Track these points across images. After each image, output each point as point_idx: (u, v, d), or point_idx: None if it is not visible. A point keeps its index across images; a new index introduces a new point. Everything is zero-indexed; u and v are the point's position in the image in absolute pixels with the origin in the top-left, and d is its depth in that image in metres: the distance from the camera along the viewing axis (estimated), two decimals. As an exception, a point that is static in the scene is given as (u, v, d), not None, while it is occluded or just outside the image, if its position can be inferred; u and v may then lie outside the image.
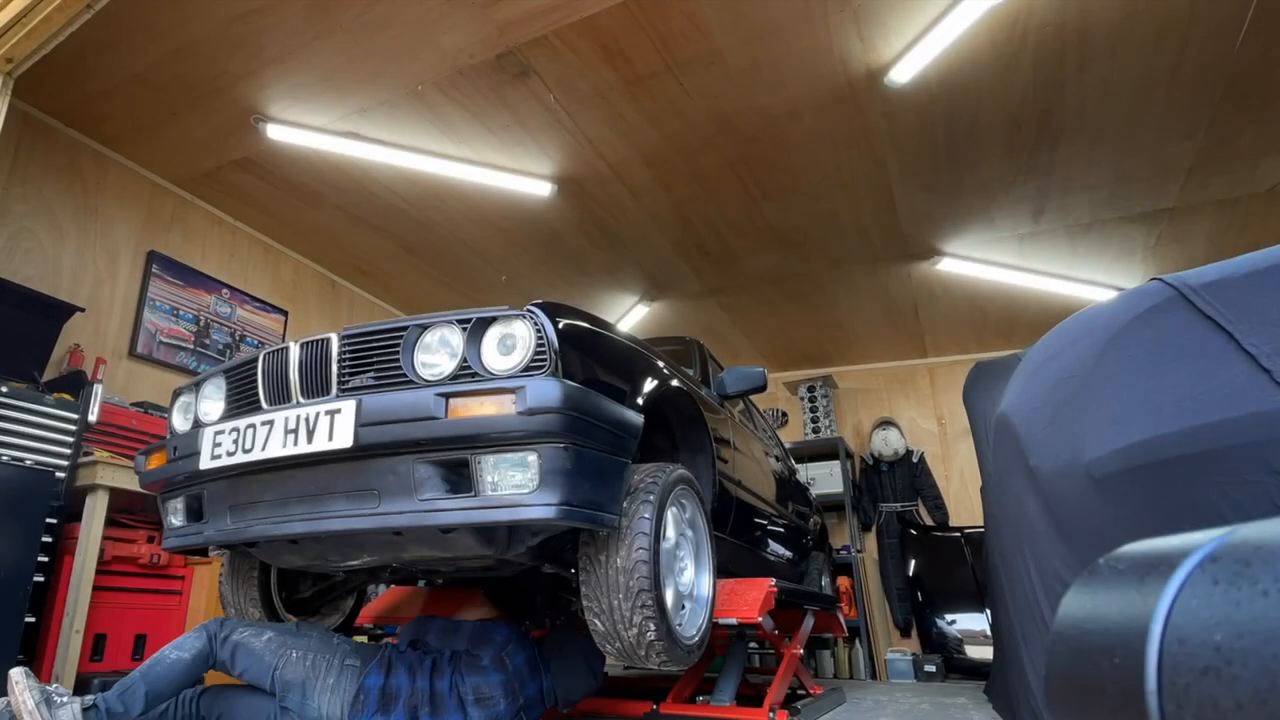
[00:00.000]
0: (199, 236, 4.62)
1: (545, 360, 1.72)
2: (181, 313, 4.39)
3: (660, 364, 2.35)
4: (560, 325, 1.81)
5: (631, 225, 4.91)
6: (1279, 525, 0.36)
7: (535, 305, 1.81)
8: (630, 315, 6.15)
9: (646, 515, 1.88)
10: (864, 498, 6.66)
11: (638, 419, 1.97)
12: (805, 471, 6.49)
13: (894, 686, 4.93)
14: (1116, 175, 4.29)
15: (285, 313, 5.14)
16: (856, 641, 5.77)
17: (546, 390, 1.64)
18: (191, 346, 4.43)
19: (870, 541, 6.62)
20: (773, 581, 2.55)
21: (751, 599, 2.43)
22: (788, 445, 6.57)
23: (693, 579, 2.22)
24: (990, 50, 3.40)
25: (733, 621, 2.39)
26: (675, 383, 2.39)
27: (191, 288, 4.48)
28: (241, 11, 3.18)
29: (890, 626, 6.23)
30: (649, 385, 2.16)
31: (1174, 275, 1.51)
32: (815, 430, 6.81)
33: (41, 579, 2.92)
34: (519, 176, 4.32)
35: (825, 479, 6.50)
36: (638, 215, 4.78)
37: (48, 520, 2.88)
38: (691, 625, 2.12)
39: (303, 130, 3.92)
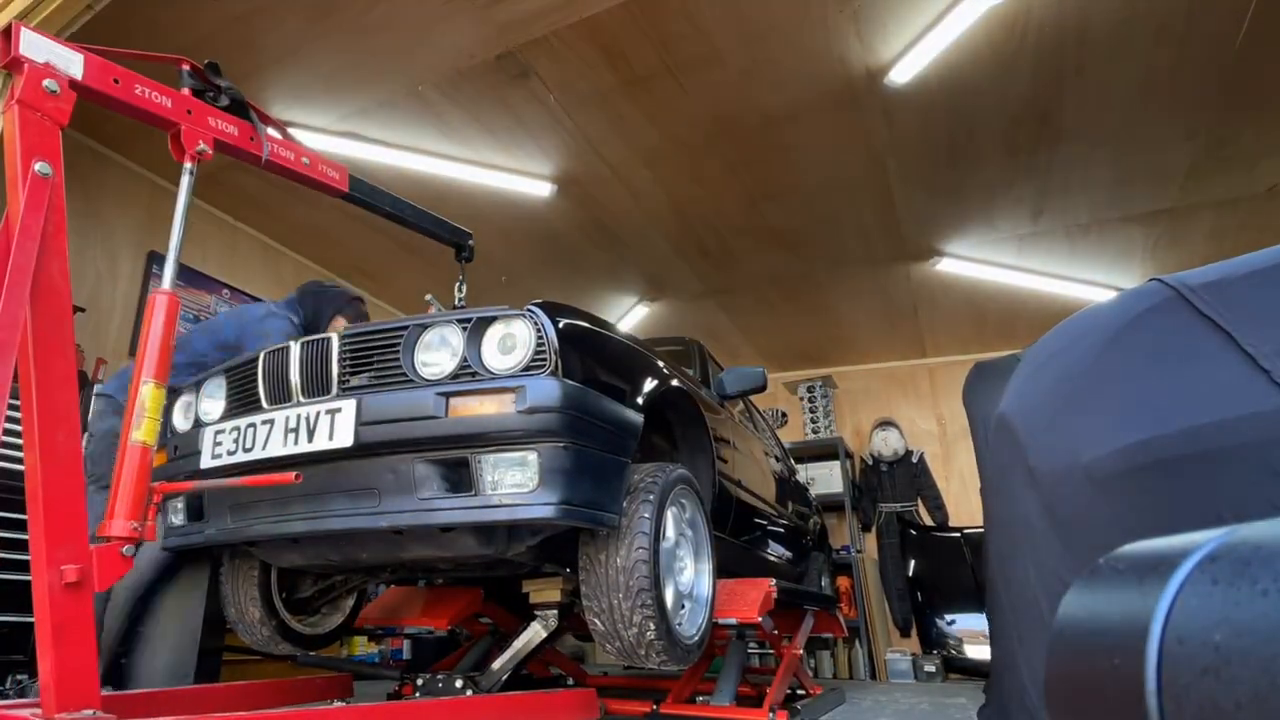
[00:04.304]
0: (199, 237, 4.62)
1: (545, 360, 1.72)
2: (182, 313, 4.39)
3: (660, 364, 2.35)
4: (560, 325, 1.81)
5: (631, 226, 4.91)
6: (1278, 525, 0.36)
7: (535, 305, 1.82)
8: (630, 316, 6.15)
9: (646, 515, 1.88)
10: (864, 498, 6.66)
11: (638, 419, 1.97)
12: (805, 472, 6.49)
13: (893, 686, 4.93)
14: (1115, 176, 4.30)
15: (285, 313, 5.13)
16: (856, 642, 5.78)
17: (546, 389, 1.65)
18: (191, 347, 4.42)
19: (870, 542, 6.62)
20: (772, 582, 2.55)
21: (751, 599, 2.44)
22: (787, 445, 6.56)
23: (692, 578, 2.22)
24: (990, 51, 3.41)
25: (732, 621, 2.39)
26: (675, 382, 2.39)
27: (192, 288, 4.48)
28: (241, 12, 3.18)
29: (890, 627, 6.23)
30: (649, 385, 2.16)
31: (1173, 276, 1.51)
32: (815, 430, 6.81)
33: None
34: (519, 177, 4.32)
35: (825, 479, 6.50)
36: (637, 216, 4.78)
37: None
38: (691, 625, 2.12)
39: (303, 131, 3.92)
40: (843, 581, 6.04)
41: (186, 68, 2.02)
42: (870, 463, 6.72)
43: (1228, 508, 1.26)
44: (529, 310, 1.79)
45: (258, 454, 1.81)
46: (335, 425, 1.72)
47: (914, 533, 6.23)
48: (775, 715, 2.49)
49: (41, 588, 1.37)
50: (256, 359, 1.99)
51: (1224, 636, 0.33)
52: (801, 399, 6.97)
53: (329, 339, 1.89)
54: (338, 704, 2.46)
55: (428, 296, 2.87)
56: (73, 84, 1.67)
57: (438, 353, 1.80)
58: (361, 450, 1.71)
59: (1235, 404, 1.30)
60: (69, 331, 1.55)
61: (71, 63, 1.68)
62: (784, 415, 6.56)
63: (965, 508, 6.37)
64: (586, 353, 1.88)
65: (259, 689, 2.39)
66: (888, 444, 6.58)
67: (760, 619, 2.40)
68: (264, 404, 1.92)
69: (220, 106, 2.06)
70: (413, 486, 1.68)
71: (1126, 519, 1.43)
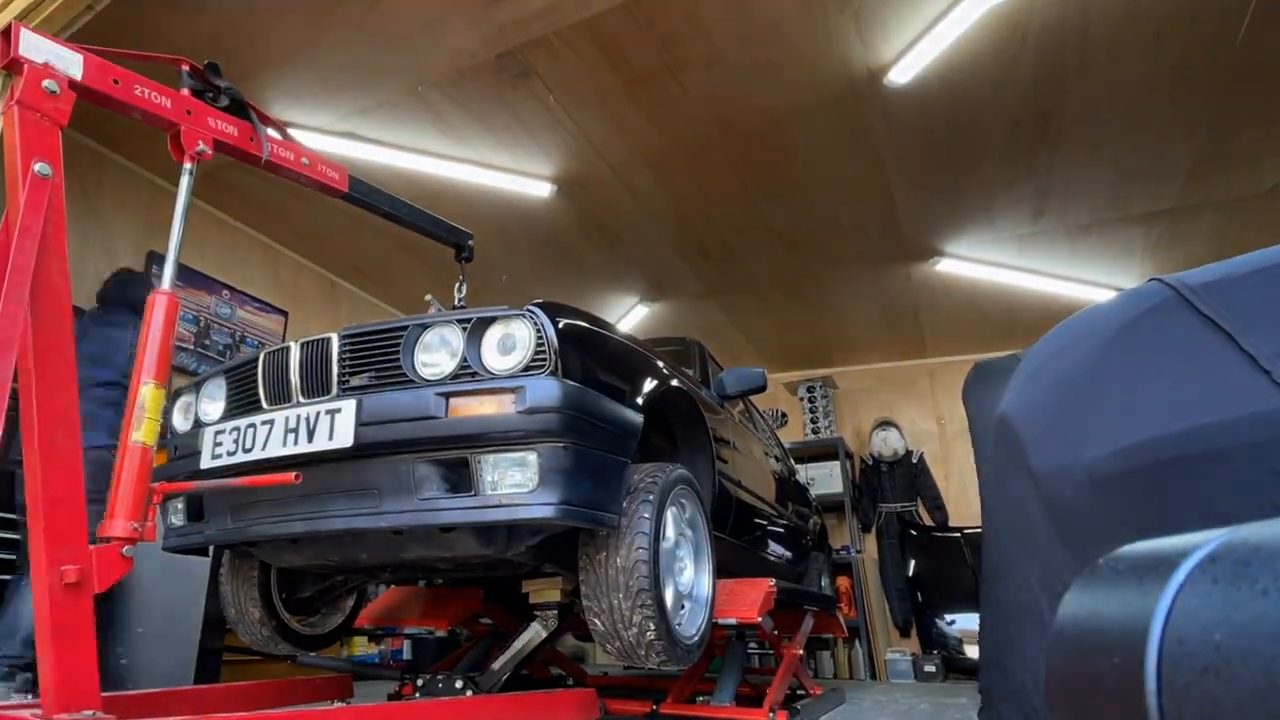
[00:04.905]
0: (198, 237, 4.62)
1: (545, 360, 1.72)
2: (182, 314, 4.40)
3: (660, 364, 2.35)
4: (560, 325, 1.81)
5: (631, 226, 4.91)
6: (1278, 526, 0.36)
7: (535, 305, 1.82)
8: (630, 316, 6.15)
9: (646, 515, 1.88)
10: (864, 498, 6.66)
11: (637, 419, 1.97)
12: (805, 472, 6.48)
13: (894, 687, 4.93)
14: (1116, 175, 4.29)
15: (285, 313, 5.14)
16: (856, 642, 5.78)
17: (546, 390, 1.65)
18: (192, 347, 4.43)
19: (870, 542, 6.62)
20: (772, 582, 2.55)
21: (751, 599, 2.43)
22: (787, 445, 6.55)
23: (692, 578, 2.22)
24: (991, 50, 3.41)
25: (732, 622, 2.39)
26: (675, 383, 2.39)
27: (192, 288, 4.48)
28: (241, 11, 3.18)
29: (890, 627, 6.23)
30: (649, 385, 2.16)
31: (1173, 276, 1.51)
32: (815, 431, 6.81)
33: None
34: (519, 177, 4.32)
35: (825, 479, 6.50)
36: (638, 216, 4.78)
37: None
38: (691, 625, 2.12)
39: (303, 131, 3.92)
40: (843, 582, 6.04)
41: (186, 68, 2.03)
42: (870, 463, 6.72)
43: (1228, 508, 1.26)
44: (528, 310, 1.79)
45: (257, 454, 1.81)
46: (335, 425, 1.72)
47: (914, 533, 6.24)
48: (775, 715, 2.49)
49: (42, 588, 1.37)
50: (256, 359, 1.99)
51: (1224, 636, 0.33)
52: (801, 399, 6.97)
53: (329, 339, 1.90)
54: (338, 704, 2.46)
55: (428, 297, 2.87)
56: (72, 84, 1.67)
57: (437, 353, 1.80)
58: (361, 450, 1.71)
59: (1236, 405, 1.30)
60: (69, 331, 1.55)
61: (71, 63, 1.68)
62: (784, 415, 6.55)
63: (965, 508, 6.36)
64: (586, 353, 1.88)
65: (259, 689, 2.39)
66: (887, 444, 6.58)
67: (760, 619, 2.40)
68: (264, 404, 1.93)
69: (220, 107, 2.07)
70: (413, 487, 1.68)
71: (1127, 519, 1.43)
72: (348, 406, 1.73)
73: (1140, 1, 3.13)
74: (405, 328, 1.84)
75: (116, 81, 1.78)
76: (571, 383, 1.72)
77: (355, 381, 1.83)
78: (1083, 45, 3.37)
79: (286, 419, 1.80)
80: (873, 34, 3.33)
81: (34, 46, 1.61)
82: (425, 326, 1.84)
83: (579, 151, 4.13)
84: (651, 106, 3.78)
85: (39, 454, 1.42)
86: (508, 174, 4.29)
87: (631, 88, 3.65)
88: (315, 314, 5.45)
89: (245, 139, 2.11)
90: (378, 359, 1.84)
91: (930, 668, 5.26)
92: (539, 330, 1.75)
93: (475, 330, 1.79)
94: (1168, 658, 0.36)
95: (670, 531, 2.06)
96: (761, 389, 3.20)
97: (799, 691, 3.42)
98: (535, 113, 3.83)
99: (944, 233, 4.98)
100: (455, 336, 1.80)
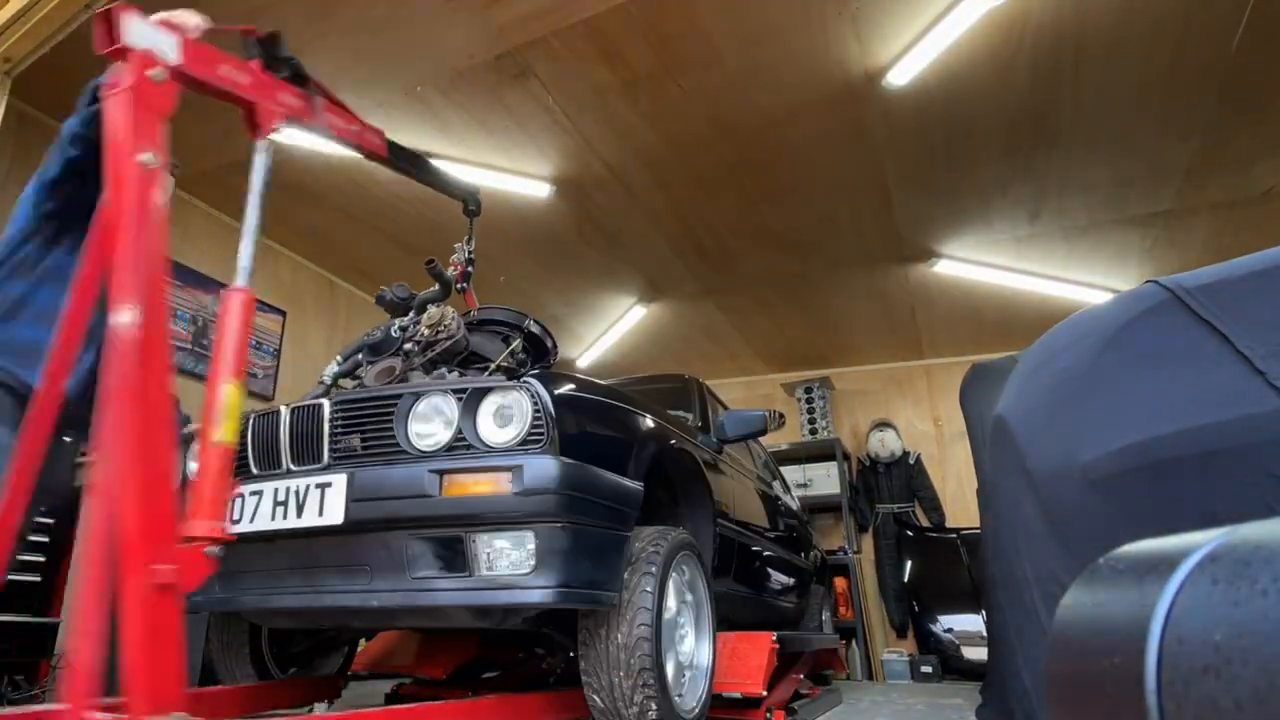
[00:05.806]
0: (197, 237, 4.61)
1: (543, 433, 1.67)
2: (179, 313, 4.39)
3: (661, 423, 2.29)
4: (557, 395, 1.76)
5: (630, 227, 4.91)
6: (1277, 525, 0.37)
7: (532, 375, 1.78)
8: (628, 317, 6.16)
9: (648, 589, 1.81)
10: (861, 499, 6.67)
11: (638, 489, 1.93)
12: (803, 473, 6.50)
13: (891, 687, 4.94)
14: (1113, 178, 4.31)
15: (284, 313, 5.13)
16: (853, 642, 5.78)
17: (544, 469, 1.61)
18: (189, 347, 4.42)
19: (867, 543, 6.63)
20: (774, 636, 2.50)
21: (754, 666, 2.37)
22: (785, 446, 6.56)
23: (693, 647, 2.14)
24: (988, 53, 3.42)
25: (736, 695, 2.34)
26: (674, 442, 2.32)
27: (189, 288, 4.48)
28: (240, 12, 3.17)
29: (887, 628, 6.24)
30: (650, 449, 2.10)
31: (1169, 278, 1.52)
32: (813, 432, 6.82)
33: (39, 579, 2.92)
34: (517, 178, 4.32)
35: (822, 480, 6.50)
36: (636, 217, 4.79)
37: (46, 522, 2.88)
38: (691, 696, 2.05)
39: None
40: (839, 582, 6.05)
41: (255, 37, 1.94)
42: (867, 464, 6.73)
43: (1224, 509, 1.26)
44: (525, 382, 1.75)
45: (245, 526, 1.77)
46: (325, 500, 1.68)
47: (911, 534, 6.25)
48: (773, 715, 2.49)
49: (135, 590, 1.32)
50: (246, 422, 1.94)
51: (1224, 636, 0.34)
52: (799, 400, 6.98)
53: (320, 406, 1.85)
54: (319, 708, 2.42)
55: (455, 245, 3.07)
56: (173, 72, 1.59)
57: (432, 423, 1.76)
58: (353, 527, 1.67)
59: (1231, 406, 1.30)
60: (168, 324, 1.51)
61: (168, 46, 1.59)
62: (781, 417, 6.54)
63: (961, 509, 6.38)
64: (585, 423, 1.84)
65: (252, 690, 2.36)
66: (885, 445, 6.59)
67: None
68: (253, 469, 1.89)
69: (282, 77, 2.01)
70: (405, 565, 1.64)
71: (1123, 520, 1.44)
72: (339, 481, 1.69)
73: (1136, 4, 3.14)
74: (399, 396, 1.80)
75: (204, 62, 1.70)
76: (570, 460, 1.67)
77: (346, 446, 1.79)
78: (1079, 48, 3.38)
79: (275, 491, 1.76)
80: (870, 36, 3.34)
81: (137, 33, 1.52)
82: (419, 396, 1.79)
83: (577, 152, 4.13)
84: (650, 107, 3.78)
85: (139, 449, 1.35)
86: (506, 174, 4.29)
87: (630, 88, 3.65)
88: (313, 314, 5.45)
89: (307, 110, 2.04)
90: (370, 427, 1.79)
91: (927, 668, 5.27)
92: (536, 402, 1.70)
93: (471, 400, 1.75)
94: (1168, 657, 0.37)
95: (672, 602, 1.98)
96: (762, 433, 3.10)
97: (797, 692, 3.41)
98: (533, 113, 3.83)
99: (941, 234, 4.99)
100: (450, 407, 1.75)
